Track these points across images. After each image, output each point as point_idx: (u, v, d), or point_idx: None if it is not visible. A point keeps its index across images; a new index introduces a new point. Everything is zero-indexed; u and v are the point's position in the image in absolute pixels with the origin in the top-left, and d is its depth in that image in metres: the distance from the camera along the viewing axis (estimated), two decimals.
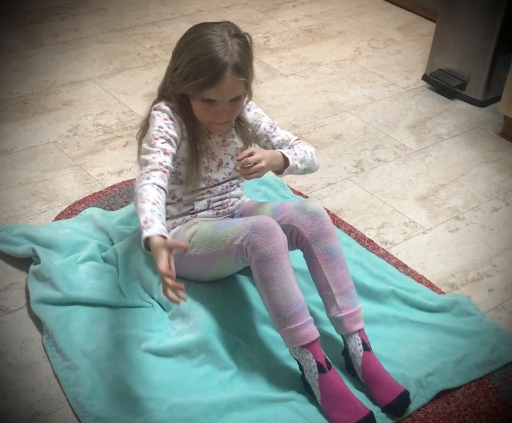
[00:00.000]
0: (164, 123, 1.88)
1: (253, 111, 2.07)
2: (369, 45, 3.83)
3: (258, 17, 4.00)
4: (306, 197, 2.56)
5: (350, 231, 2.41)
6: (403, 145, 2.97)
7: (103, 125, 2.91)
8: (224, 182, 2.03)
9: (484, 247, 2.44)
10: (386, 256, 2.31)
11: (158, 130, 1.86)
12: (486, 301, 2.21)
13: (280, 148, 2.06)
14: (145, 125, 1.98)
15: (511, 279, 2.30)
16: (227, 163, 2.02)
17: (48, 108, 2.99)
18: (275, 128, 2.08)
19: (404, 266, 2.28)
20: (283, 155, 1.98)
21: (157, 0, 4.11)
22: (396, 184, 2.73)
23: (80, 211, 2.35)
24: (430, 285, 2.21)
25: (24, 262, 2.13)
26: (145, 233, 1.63)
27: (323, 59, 3.63)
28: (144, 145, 1.86)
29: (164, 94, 1.96)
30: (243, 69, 1.84)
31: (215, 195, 2.02)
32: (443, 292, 2.20)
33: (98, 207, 2.38)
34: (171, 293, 1.56)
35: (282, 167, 1.99)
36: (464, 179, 2.80)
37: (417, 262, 2.33)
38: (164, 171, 1.80)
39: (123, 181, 2.54)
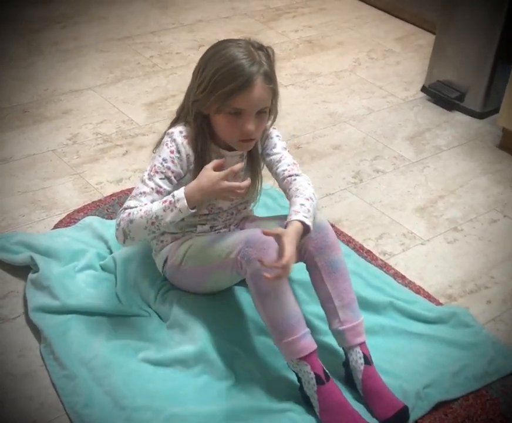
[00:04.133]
0: (169, 156, 1.84)
1: (276, 141, 1.98)
2: (368, 56, 3.84)
3: (257, 28, 4.01)
4: None
5: (349, 241, 2.41)
6: (401, 156, 2.98)
7: (103, 134, 2.91)
8: (229, 209, 2.00)
9: (482, 259, 2.45)
10: (384, 267, 2.32)
11: (161, 163, 1.84)
12: (484, 312, 2.21)
13: (282, 178, 1.95)
14: (160, 141, 1.92)
15: (508, 291, 2.31)
16: None
17: (48, 117, 2.99)
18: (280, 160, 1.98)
19: (402, 277, 2.28)
20: (303, 223, 1.79)
21: (157, 10, 4.12)
22: (395, 195, 2.73)
23: (79, 220, 2.35)
24: (428, 297, 2.21)
25: (23, 270, 2.13)
26: (177, 196, 1.75)
27: (323, 70, 3.64)
28: (145, 173, 1.85)
29: (182, 116, 1.90)
30: (272, 77, 1.81)
31: (220, 223, 2.00)
32: (440, 304, 2.20)
33: (97, 215, 2.38)
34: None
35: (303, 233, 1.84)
36: (463, 190, 2.80)
37: (415, 273, 2.33)
38: None
39: (122, 190, 2.54)
